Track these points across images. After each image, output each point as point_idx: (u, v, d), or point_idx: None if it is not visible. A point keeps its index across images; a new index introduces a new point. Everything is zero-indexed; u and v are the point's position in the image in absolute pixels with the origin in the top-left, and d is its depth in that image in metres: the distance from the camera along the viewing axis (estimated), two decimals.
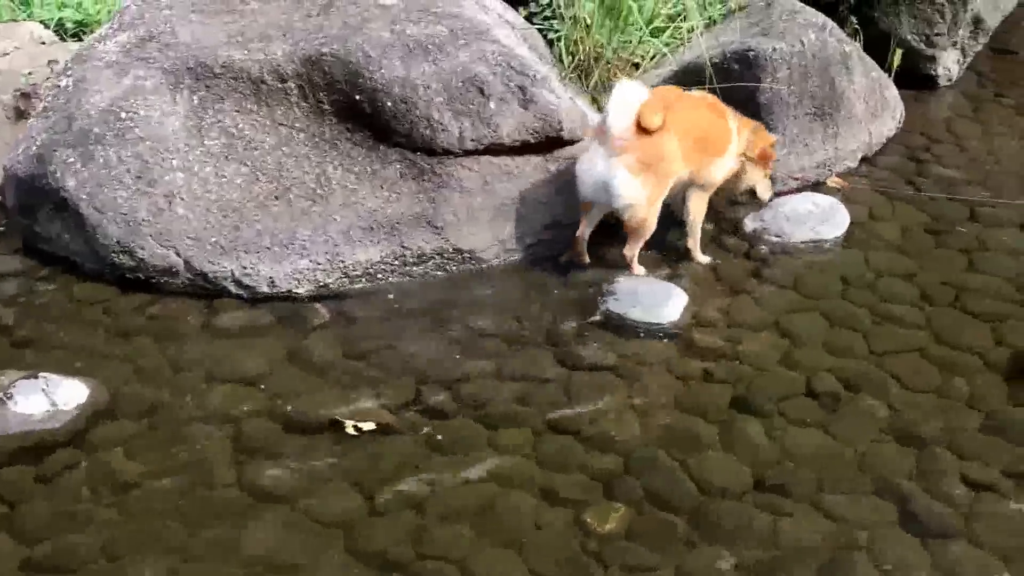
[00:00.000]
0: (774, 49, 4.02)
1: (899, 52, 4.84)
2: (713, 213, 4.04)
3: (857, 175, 4.34)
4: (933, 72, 5.06)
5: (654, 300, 3.43)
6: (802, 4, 4.43)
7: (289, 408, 3.05)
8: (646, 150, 3.35)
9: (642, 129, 3.32)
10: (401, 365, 3.24)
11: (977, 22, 4.98)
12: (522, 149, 3.71)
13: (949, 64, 5.07)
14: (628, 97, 3.33)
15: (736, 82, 4.05)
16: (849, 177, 4.31)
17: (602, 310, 3.44)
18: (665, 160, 3.41)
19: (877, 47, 4.91)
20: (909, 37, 4.97)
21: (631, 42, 4.30)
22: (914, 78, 5.06)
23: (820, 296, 3.55)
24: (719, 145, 3.63)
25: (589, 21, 4.23)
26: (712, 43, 4.24)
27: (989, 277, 3.63)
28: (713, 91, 3.98)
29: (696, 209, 3.67)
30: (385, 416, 3.00)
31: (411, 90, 3.53)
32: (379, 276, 3.61)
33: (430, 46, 3.61)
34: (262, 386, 3.15)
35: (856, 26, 4.92)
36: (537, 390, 3.13)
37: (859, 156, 4.37)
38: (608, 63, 4.26)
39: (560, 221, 3.78)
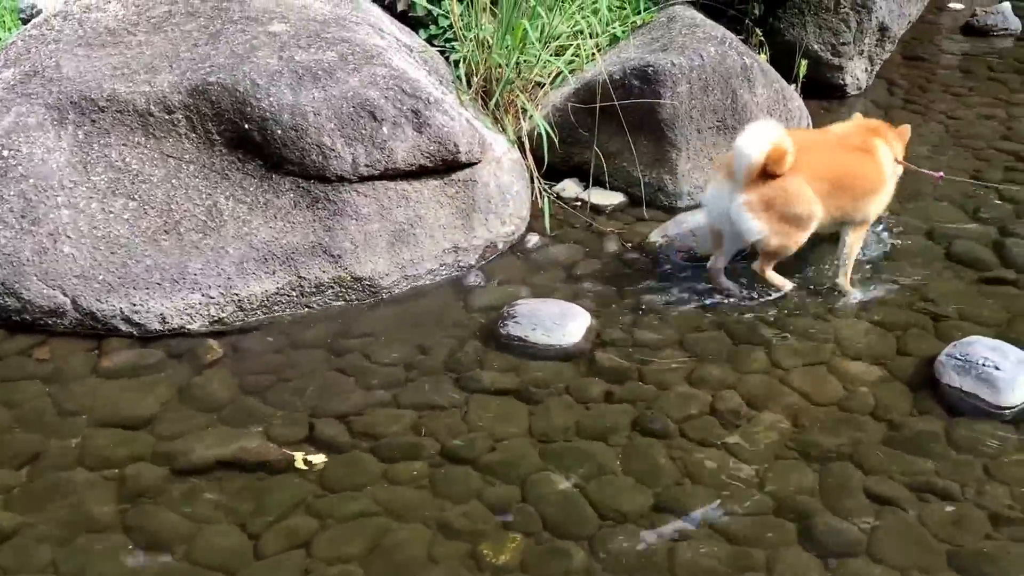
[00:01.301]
0: (673, 64, 4.00)
1: (804, 63, 4.87)
2: (618, 227, 4.02)
3: None
4: (841, 81, 5.09)
5: (556, 321, 3.36)
6: (703, 18, 4.43)
7: (177, 450, 2.93)
8: (769, 191, 3.32)
9: (770, 172, 3.28)
10: (296, 399, 3.14)
11: (883, 30, 5.02)
12: (419, 173, 3.64)
13: (857, 73, 5.11)
14: (758, 138, 3.27)
15: (637, 98, 4.02)
16: None
17: (503, 333, 3.37)
18: (791, 202, 3.34)
19: (785, 58, 4.94)
20: (816, 47, 5.00)
21: (533, 62, 4.25)
22: (824, 88, 5.10)
23: (725, 311, 3.51)
24: (867, 184, 3.49)
25: (490, 42, 4.18)
26: (614, 60, 4.21)
27: (894, 285, 3.61)
28: (615, 108, 3.99)
29: (851, 243, 3.54)
30: (275, 452, 2.90)
31: (301, 117, 3.45)
32: (275, 308, 3.50)
33: (320, 72, 3.53)
34: (151, 428, 3.04)
35: (762, 38, 4.94)
36: (435, 418, 3.04)
37: None
38: (510, 83, 4.21)
39: (459, 245, 3.72)
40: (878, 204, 3.58)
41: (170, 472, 2.87)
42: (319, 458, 2.88)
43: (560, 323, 3.36)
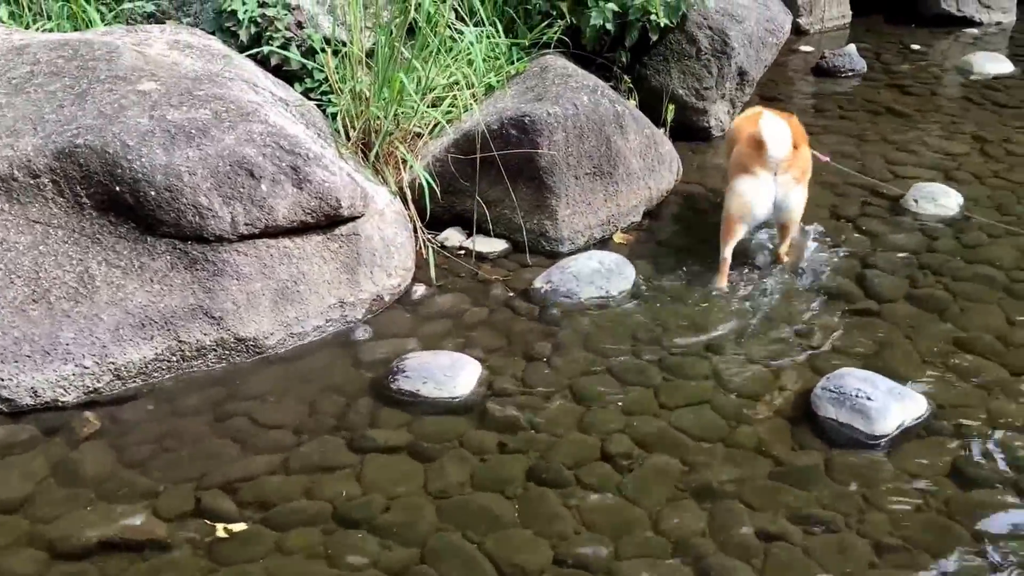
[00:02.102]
0: (549, 113, 4.10)
1: (671, 107, 5.05)
2: (503, 274, 4.07)
3: (642, 229, 4.47)
4: (706, 124, 5.30)
5: (446, 373, 3.36)
6: (575, 67, 4.55)
7: (55, 533, 2.78)
8: (801, 163, 3.94)
9: (795, 147, 3.86)
10: (180, 470, 3.02)
11: (742, 74, 5.26)
12: (301, 229, 3.59)
13: (721, 115, 5.33)
14: (778, 127, 3.81)
15: (515, 147, 4.09)
16: (635, 232, 4.43)
17: (394, 388, 3.34)
18: (807, 166, 4.02)
19: (654, 103, 5.12)
20: (681, 92, 5.20)
21: (411, 113, 4.27)
22: (690, 130, 5.30)
23: (611, 354, 3.59)
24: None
25: (367, 94, 4.18)
26: (491, 110, 4.28)
27: (769, 321, 3.77)
28: (494, 157, 4.06)
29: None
30: (159, 530, 2.78)
31: (175, 177, 3.36)
32: (155, 375, 3.38)
33: (193, 131, 3.45)
34: (25, 511, 2.87)
35: (630, 85, 5.11)
36: (327, 481, 2.99)
37: (642, 211, 4.50)
38: (389, 135, 4.21)
39: (345, 300, 3.69)
40: None
41: (49, 557, 2.72)
42: (239, 526, 2.79)
43: (450, 375, 3.36)
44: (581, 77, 4.42)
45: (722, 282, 3.96)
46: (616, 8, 4.80)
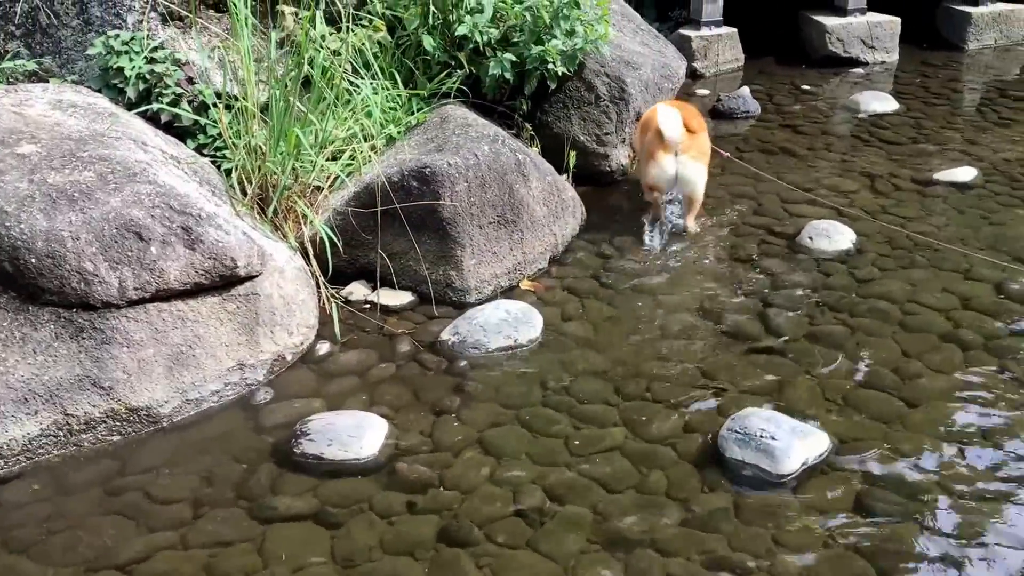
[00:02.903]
0: (449, 164, 4.08)
1: (573, 154, 5.10)
2: (410, 328, 4.01)
3: (549, 276, 4.47)
4: (608, 168, 5.36)
5: (351, 434, 3.27)
6: (475, 117, 4.55)
7: None
8: (698, 144, 4.69)
9: (690, 131, 4.60)
10: (69, 554, 2.85)
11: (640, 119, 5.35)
12: (195, 291, 3.48)
13: (622, 159, 5.40)
14: (669, 115, 4.53)
15: (417, 199, 4.06)
16: (541, 279, 4.43)
17: (297, 453, 3.24)
18: (707, 148, 4.80)
19: (555, 150, 5.16)
20: (582, 138, 5.25)
21: (309, 167, 4.21)
22: (593, 175, 5.35)
23: (521, 405, 3.55)
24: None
25: (263, 148, 4.10)
26: (392, 162, 4.24)
27: (674, 364, 3.79)
28: (396, 209, 4.02)
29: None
30: None
31: (58, 243, 3.21)
32: (41, 451, 3.20)
33: (76, 194, 3.32)
34: None
35: (532, 132, 5.14)
36: (228, 556, 2.85)
37: (548, 257, 4.50)
38: (288, 189, 4.14)
39: (244, 361, 3.58)
40: None
41: None
42: None
43: (356, 435, 3.27)
44: (481, 127, 4.43)
45: (659, 213, 4.87)
46: (513, 58, 4.83)
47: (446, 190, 4.06)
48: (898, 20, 7.65)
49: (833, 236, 4.68)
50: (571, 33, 4.96)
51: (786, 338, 3.94)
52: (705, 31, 7.30)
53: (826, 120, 6.39)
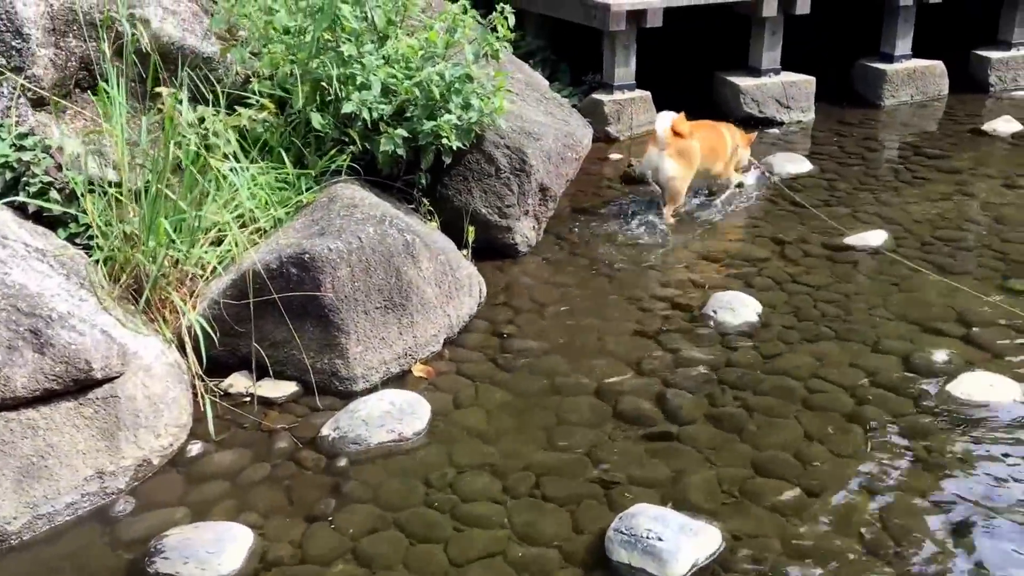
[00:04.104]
0: (330, 249, 3.90)
1: (472, 228, 4.96)
2: (290, 422, 3.79)
3: (443, 359, 4.29)
4: (512, 241, 5.22)
5: (210, 550, 3.03)
6: (363, 196, 4.39)
7: None
8: (679, 146, 5.59)
9: (677, 134, 5.55)
10: None
11: (544, 190, 5.23)
12: (47, 397, 3.24)
13: (526, 232, 5.27)
14: (665, 118, 5.59)
15: (297, 286, 3.87)
16: (435, 362, 4.25)
17: (151, 573, 3.00)
18: (691, 154, 5.62)
19: (457, 224, 5.02)
20: (484, 211, 5.12)
21: (183, 255, 4.01)
22: (497, 248, 5.21)
23: (401, 507, 3.34)
24: (720, 152, 5.92)
25: (138, 237, 3.90)
26: (272, 247, 4.06)
27: (566, 455, 3.62)
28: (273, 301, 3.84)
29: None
30: None
31: None
32: None
33: None
34: None
35: (430, 208, 4.99)
36: None
37: (442, 340, 4.33)
38: (164, 278, 3.93)
39: (104, 470, 3.34)
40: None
41: None
42: None
43: (216, 551, 3.04)
44: (368, 207, 4.27)
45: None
46: (406, 134, 4.70)
47: (327, 276, 3.88)
48: (813, 79, 7.68)
49: (737, 308, 4.56)
50: (467, 106, 4.85)
51: (684, 423, 3.79)
52: (618, 95, 7.25)
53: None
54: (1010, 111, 7.76)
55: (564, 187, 5.51)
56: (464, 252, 4.91)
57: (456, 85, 4.76)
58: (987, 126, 7.36)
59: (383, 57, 4.84)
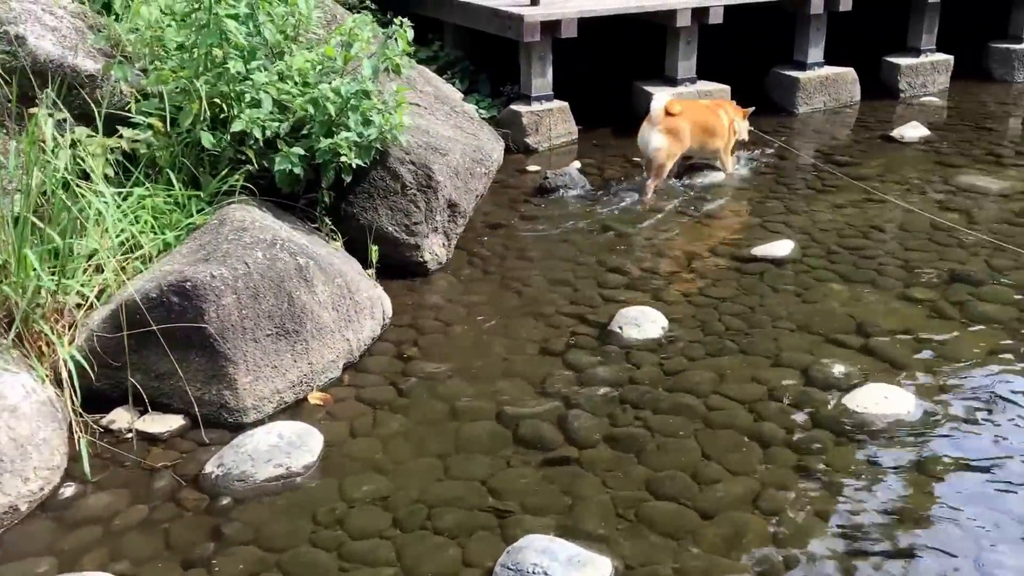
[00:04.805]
0: (214, 276, 3.75)
1: (376, 248, 4.84)
2: (174, 458, 3.63)
3: (343, 385, 4.16)
4: (421, 259, 5.11)
5: None
6: (253, 219, 4.23)
7: None
8: (668, 123, 6.13)
9: (669, 113, 6.10)
10: None
11: (452, 207, 5.14)
12: None
13: (435, 249, 5.17)
14: (659, 99, 6.17)
15: (179, 315, 3.71)
16: (333, 389, 4.12)
17: None
18: (680, 133, 6.16)
19: (363, 243, 4.90)
20: (390, 229, 5.00)
21: (59, 284, 3.82)
22: (406, 267, 5.10)
23: (285, 547, 3.20)
24: (717, 131, 6.46)
25: (7, 267, 3.71)
26: (154, 274, 3.89)
27: (461, 483, 3.52)
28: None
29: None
30: None
31: None
32: None
33: None
34: None
35: (332, 227, 4.86)
36: None
37: (341, 365, 4.20)
38: (39, 308, 3.75)
39: None
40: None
41: None
42: None
43: None
44: (258, 230, 4.12)
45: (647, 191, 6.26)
46: (302, 151, 4.57)
47: (211, 304, 3.73)
48: (727, 88, 7.70)
49: (643, 324, 4.51)
50: (367, 123, 4.73)
51: (584, 445, 3.72)
52: (536, 106, 7.19)
53: (654, 194, 6.30)
54: (919, 117, 7.88)
55: (475, 203, 5.42)
56: (369, 272, 4.79)
57: (353, 101, 4.64)
58: (896, 132, 7.45)
59: (277, 73, 4.70)
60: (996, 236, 5.50)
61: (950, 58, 8.85)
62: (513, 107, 7.23)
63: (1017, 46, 9.22)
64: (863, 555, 3.14)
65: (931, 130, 7.55)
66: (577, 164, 6.81)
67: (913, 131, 7.45)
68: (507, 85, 7.54)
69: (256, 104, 4.48)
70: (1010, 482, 3.47)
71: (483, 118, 7.01)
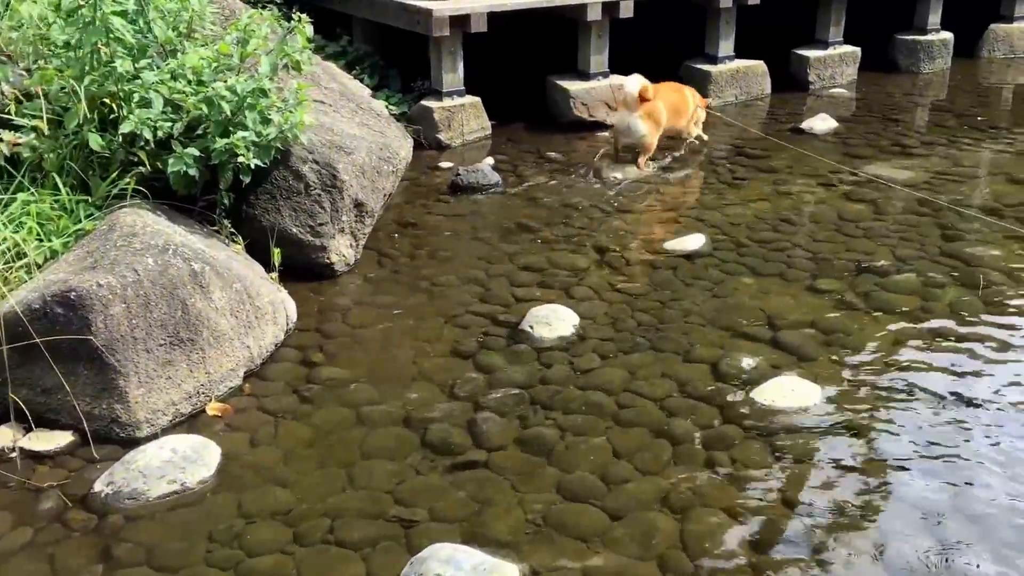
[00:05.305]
0: (100, 285, 3.57)
1: (278, 251, 4.70)
2: (61, 478, 3.45)
3: (243, 395, 4.01)
4: (328, 260, 4.97)
5: None
6: (144, 224, 4.03)
7: None
8: (647, 108, 6.46)
9: (644, 98, 6.41)
10: None
11: (359, 206, 5.01)
12: None
13: (343, 250, 5.03)
14: (634, 83, 6.40)
15: (64, 327, 3.52)
16: (233, 399, 3.97)
17: None
18: (658, 114, 6.52)
19: (266, 245, 4.74)
20: (295, 231, 4.85)
21: None
22: (312, 269, 4.96)
23: (179, 567, 3.05)
24: (683, 110, 6.86)
25: None
26: (38, 284, 3.69)
27: (366, 493, 3.40)
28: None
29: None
30: None
31: None
32: None
33: None
34: None
35: (232, 230, 4.70)
36: None
37: (241, 373, 4.05)
38: None
39: None
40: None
41: None
42: None
43: None
44: (150, 236, 3.94)
45: (599, 161, 6.74)
46: (197, 152, 4.39)
47: (97, 315, 3.55)
48: None
49: (554, 323, 4.45)
50: (266, 121, 4.58)
51: (494, 448, 3.64)
52: (447, 101, 7.08)
53: (567, 191, 6.26)
54: (828, 109, 7.99)
55: (383, 202, 5.30)
56: (272, 275, 4.65)
57: (250, 100, 4.48)
58: (805, 124, 7.54)
59: (169, 72, 4.51)
60: (901, 226, 5.60)
61: (857, 50, 9.01)
62: (424, 103, 7.11)
63: (922, 37, 9.43)
64: (771, 550, 3.13)
65: (840, 122, 7.66)
66: (490, 160, 6.73)
67: (822, 123, 7.55)
68: (418, 80, 7.42)
69: (146, 104, 4.29)
70: (912, 471, 3.50)
71: (394, 114, 6.91)
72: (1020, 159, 6.86)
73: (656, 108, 6.53)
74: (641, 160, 6.61)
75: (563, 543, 3.16)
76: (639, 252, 5.34)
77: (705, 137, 7.18)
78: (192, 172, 4.40)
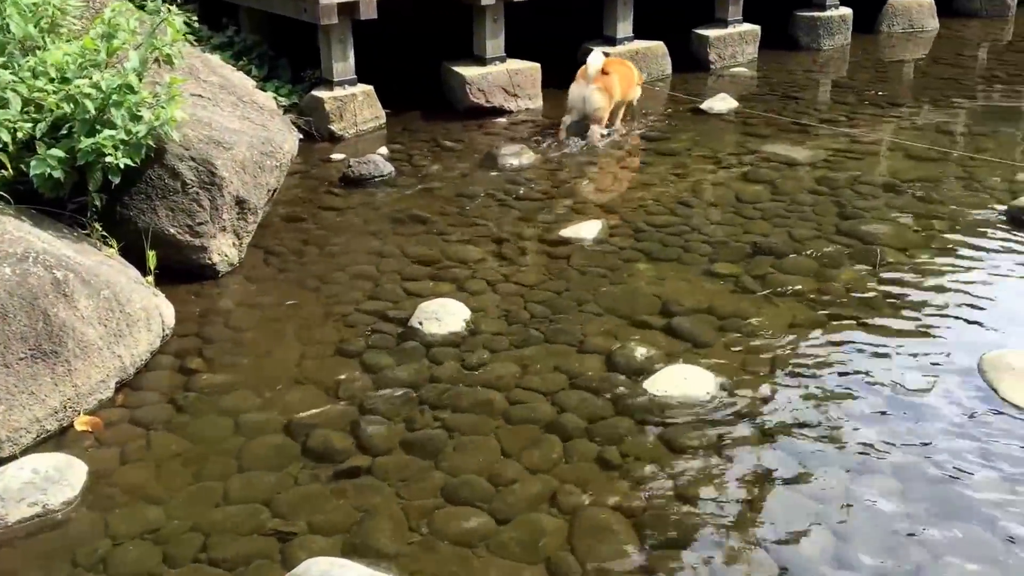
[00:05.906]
0: None
1: (152, 253, 4.48)
2: None
3: (115, 406, 3.80)
4: (209, 261, 4.77)
5: None
6: (3, 231, 3.77)
7: None
8: (604, 82, 6.67)
9: (604, 72, 6.63)
10: None
11: (241, 203, 4.81)
12: None
13: (225, 249, 4.83)
14: (598, 58, 6.62)
15: None
16: (104, 412, 3.76)
17: None
18: (612, 88, 6.74)
19: (142, 248, 4.52)
20: (173, 231, 4.64)
21: None
22: (193, 270, 4.75)
23: None
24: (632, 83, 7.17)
25: None
26: None
27: (241, 507, 3.25)
28: None
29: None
30: None
31: None
32: None
33: None
34: None
35: (103, 233, 4.46)
36: None
37: (113, 385, 3.84)
38: None
39: None
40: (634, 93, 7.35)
41: None
42: None
43: None
44: (8, 243, 3.70)
45: (560, 135, 6.84)
46: (62, 154, 4.15)
47: None
48: (538, 66, 7.60)
49: (443, 318, 4.34)
50: (136, 119, 4.35)
51: (378, 453, 3.52)
52: (339, 91, 6.88)
53: (462, 180, 6.14)
54: (728, 88, 8.02)
55: (268, 198, 5.11)
56: (148, 279, 4.43)
57: (116, 96, 4.25)
58: (705, 104, 7.55)
59: (29, 69, 4.25)
60: (799, 205, 5.62)
61: (757, 28, 9.07)
62: (315, 93, 6.91)
63: (821, 13, 9.54)
64: (663, 547, 3.08)
65: (740, 101, 7.69)
66: (384, 150, 6.58)
67: (722, 103, 7.57)
68: (308, 70, 7.21)
69: (3, 104, 4.03)
70: (806, 459, 3.47)
71: (284, 106, 6.71)
72: (918, 134, 6.97)
73: (611, 82, 6.73)
74: (595, 129, 6.75)
75: (446, 551, 3.06)
76: (535, 241, 5.25)
77: (623, 130, 7.15)
78: (57, 174, 4.15)
